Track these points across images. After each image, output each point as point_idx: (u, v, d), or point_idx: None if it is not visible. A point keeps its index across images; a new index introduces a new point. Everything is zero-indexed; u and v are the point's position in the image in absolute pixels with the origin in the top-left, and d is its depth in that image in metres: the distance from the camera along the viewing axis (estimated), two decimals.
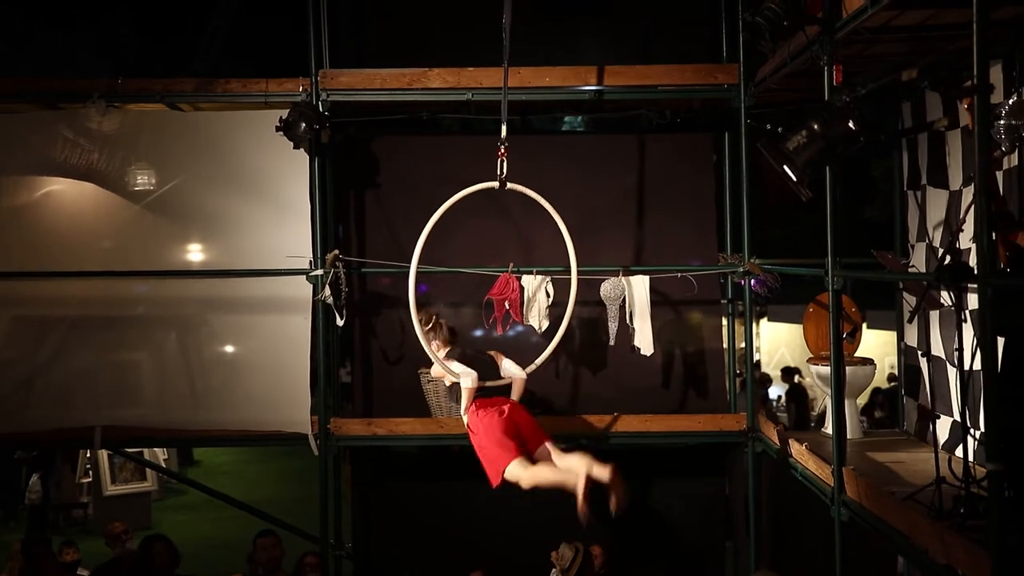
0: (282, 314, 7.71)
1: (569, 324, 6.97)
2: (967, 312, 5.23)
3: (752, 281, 7.81)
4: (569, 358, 8.15)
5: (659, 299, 7.87)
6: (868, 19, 5.37)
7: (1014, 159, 5.72)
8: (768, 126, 5.65)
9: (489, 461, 6.18)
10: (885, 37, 5.81)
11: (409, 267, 6.57)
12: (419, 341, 6.56)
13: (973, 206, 4.41)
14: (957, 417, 6.50)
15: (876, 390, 12.47)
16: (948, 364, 6.74)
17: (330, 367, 7.96)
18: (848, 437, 6.38)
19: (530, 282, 7.54)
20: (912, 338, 7.55)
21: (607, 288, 7.60)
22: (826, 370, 6.71)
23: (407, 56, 7.88)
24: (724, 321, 8.39)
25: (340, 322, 7.57)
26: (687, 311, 8.32)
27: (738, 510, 8.21)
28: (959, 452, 5.19)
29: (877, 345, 12.25)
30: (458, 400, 6.50)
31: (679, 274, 7.75)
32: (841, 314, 6.18)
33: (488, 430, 6.18)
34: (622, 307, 7.60)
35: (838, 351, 6.08)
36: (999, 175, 5.85)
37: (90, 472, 13.62)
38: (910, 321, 7.16)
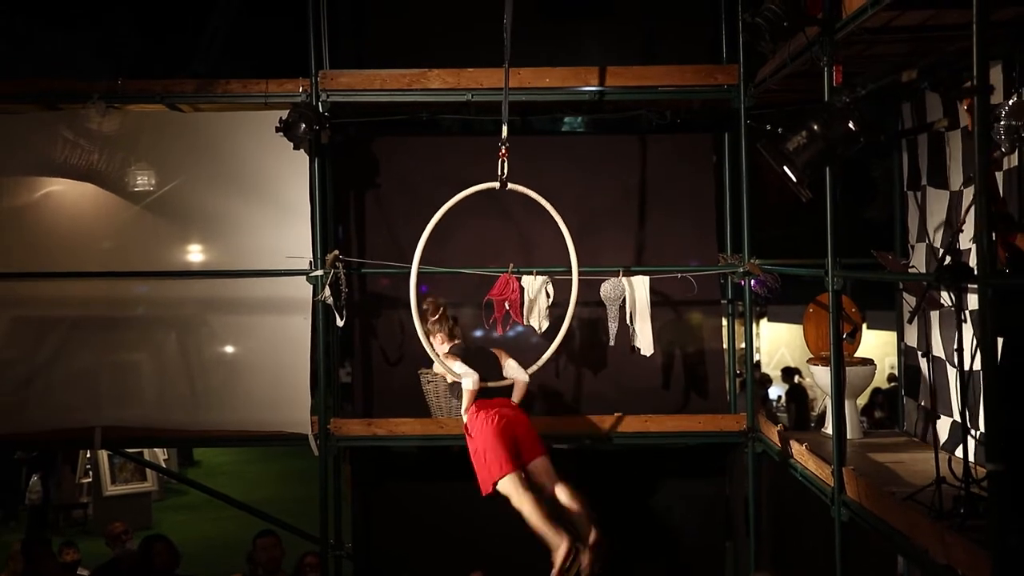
0: (282, 315, 7.71)
1: (569, 325, 6.97)
2: (967, 312, 5.24)
3: (752, 281, 7.82)
4: (569, 358, 8.16)
5: (659, 299, 7.88)
6: (868, 20, 5.37)
7: (1014, 160, 5.73)
8: (768, 127, 5.67)
9: (482, 468, 6.18)
10: (885, 38, 5.81)
11: (409, 267, 6.57)
12: (419, 341, 6.56)
13: (973, 207, 4.41)
14: (957, 417, 6.50)
15: (876, 390, 12.48)
16: (948, 364, 6.74)
17: (330, 367, 7.96)
18: (848, 437, 6.39)
19: (530, 283, 7.54)
20: (912, 338, 7.55)
21: (607, 288, 7.60)
22: (826, 370, 6.71)
23: (407, 56, 7.88)
24: (724, 321, 8.40)
25: (340, 322, 7.58)
26: (687, 311, 8.32)
27: (738, 510, 8.21)
28: (959, 452, 5.19)
29: (877, 345, 12.25)
30: (459, 397, 6.46)
31: (679, 274, 7.75)
32: (841, 314, 6.18)
33: (485, 436, 6.16)
34: (622, 307, 7.60)
35: (838, 351, 6.08)
36: (999, 176, 5.85)
37: (90, 472, 13.63)
38: (910, 321, 7.16)
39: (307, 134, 7.18)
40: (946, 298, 6.18)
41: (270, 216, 7.69)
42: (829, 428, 6.83)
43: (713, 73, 7.71)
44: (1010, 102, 4.92)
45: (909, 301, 7.46)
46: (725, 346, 8.40)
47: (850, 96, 5.35)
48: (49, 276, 7.70)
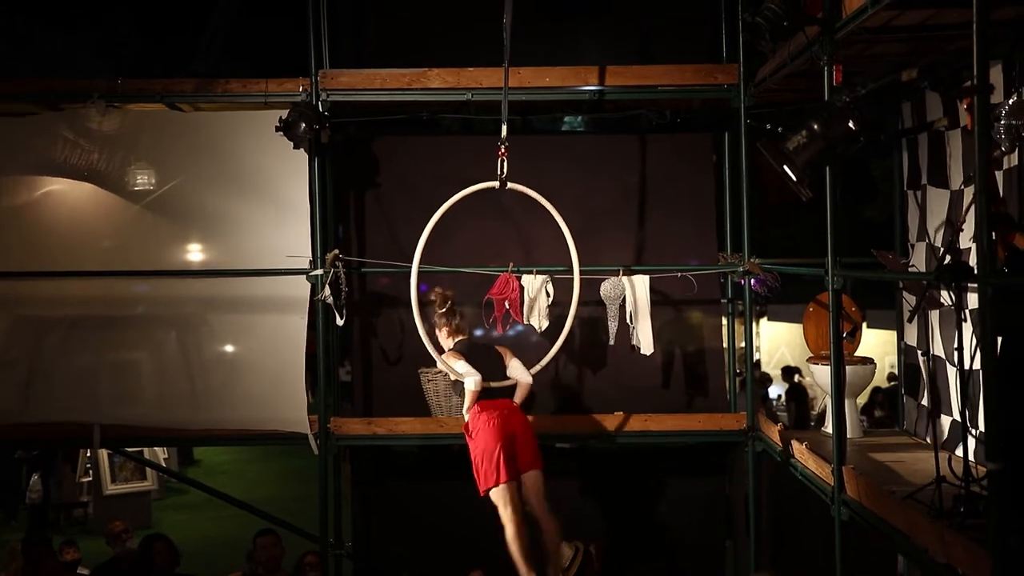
0: (282, 314, 7.71)
1: (570, 324, 6.97)
2: (967, 311, 5.24)
3: (752, 281, 7.82)
4: (569, 357, 8.16)
5: (659, 299, 7.88)
6: (868, 19, 5.37)
7: (1014, 159, 5.73)
8: (768, 126, 5.66)
9: (478, 471, 6.18)
10: (885, 37, 5.81)
11: (409, 267, 6.57)
12: (419, 340, 6.55)
13: (973, 206, 4.41)
14: (957, 416, 6.50)
15: (876, 389, 12.47)
16: (948, 363, 6.74)
17: (330, 367, 7.96)
18: (848, 436, 6.39)
19: (530, 282, 7.55)
20: (912, 337, 7.56)
21: (607, 288, 7.61)
22: (826, 369, 6.71)
23: (407, 56, 7.89)
24: (724, 320, 8.40)
25: (340, 322, 7.58)
26: (687, 311, 8.33)
27: (738, 509, 8.22)
28: (959, 451, 5.20)
29: (877, 344, 12.25)
30: (461, 395, 6.39)
31: (679, 274, 7.76)
32: (841, 313, 6.18)
33: (484, 440, 6.13)
34: (622, 307, 7.60)
35: (838, 350, 6.08)
36: (999, 175, 5.86)
37: (90, 471, 13.62)
38: (910, 320, 7.17)
39: (307, 133, 7.18)
40: (946, 297, 6.18)
41: (270, 215, 7.69)
42: (829, 427, 6.83)
43: (713, 72, 7.71)
44: (1010, 101, 4.94)
45: (909, 300, 7.47)
46: (725, 345, 8.40)
47: (850, 95, 5.35)
48: (49, 275, 7.71)
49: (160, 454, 14.34)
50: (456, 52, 7.77)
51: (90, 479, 13.63)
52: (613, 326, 7.60)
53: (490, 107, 7.68)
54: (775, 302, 11.87)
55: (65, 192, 7.82)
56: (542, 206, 6.79)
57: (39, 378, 7.79)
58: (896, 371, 9.02)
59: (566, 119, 8.86)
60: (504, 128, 6.64)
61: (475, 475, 6.21)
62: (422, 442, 7.87)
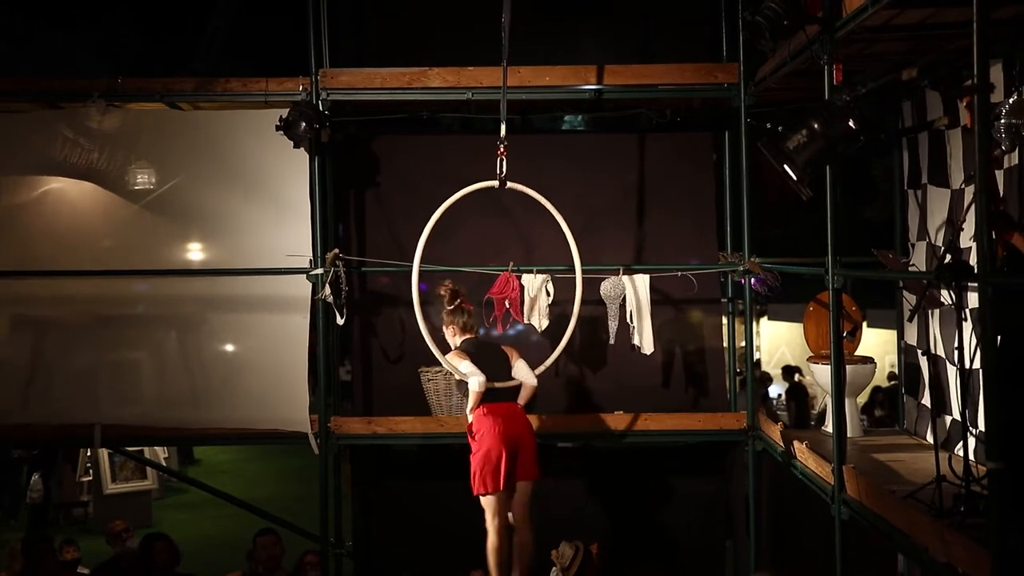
0: (282, 313, 7.71)
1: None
2: (967, 311, 5.24)
3: (752, 280, 7.82)
4: (569, 357, 8.15)
5: (659, 298, 7.88)
6: (868, 18, 5.37)
7: (1014, 158, 5.73)
8: (768, 125, 5.66)
9: (476, 474, 6.18)
10: (885, 36, 5.81)
11: (409, 266, 6.57)
12: (419, 339, 6.54)
13: (974, 205, 4.41)
14: (957, 416, 6.50)
15: (876, 388, 12.48)
16: (948, 363, 6.74)
17: (330, 366, 7.96)
18: (848, 436, 6.38)
19: (530, 281, 7.55)
20: (912, 337, 7.55)
21: (607, 287, 7.61)
22: (826, 369, 6.71)
23: (407, 56, 7.88)
24: (724, 320, 8.40)
25: (340, 321, 7.58)
26: (687, 310, 8.33)
27: (738, 508, 8.22)
28: (959, 450, 5.20)
29: (877, 344, 12.25)
30: (466, 394, 6.36)
31: (679, 273, 7.76)
32: (841, 313, 6.18)
33: (487, 446, 6.10)
34: (622, 306, 7.61)
35: (838, 350, 6.08)
36: (999, 174, 5.86)
37: (90, 471, 13.62)
38: (910, 320, 7.17)
39: (307, 132, 7.18)
40: (946, 296, 6.18)
41: (270, 214, 7.69)
42: (829, 426, 6.83)
43: (713, 71, 7.71)
44: (1010, 100, 4.93)
45: (909, 299, 7.47)
46: (725, 344, 8.40)
47: (850, 94, 5.35)
48: (49, 275, 7.71)
49: (160, 453, 14.34)
50: (456, 52, 7.77)
51: (90, 478, 13.62)
52: (613, 325, 7.60)
53: (490, 106, 7.67)
54: (775, 301, 11.88)
55: (65, 191, 7.82)
56: (542, 205, 6.79)
57: (39, 378, 7.80)
58: (896, 370, 9.02)
59: (566, 118, 8.86)
60: (503, 127, 6.64)
61: (472, 475, 6.21)
62: (422, 441, 7.87)
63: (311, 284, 7.55)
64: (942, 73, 6.29)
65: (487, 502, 6.17)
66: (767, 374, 15.39)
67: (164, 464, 14.13)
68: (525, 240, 8.14)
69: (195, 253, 7.93)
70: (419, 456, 8.41)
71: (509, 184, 6.62)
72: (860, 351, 7.71)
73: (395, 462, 8.46)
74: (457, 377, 6.42)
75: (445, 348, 6.54)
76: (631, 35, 8.29)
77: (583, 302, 6.98)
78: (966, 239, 5.90)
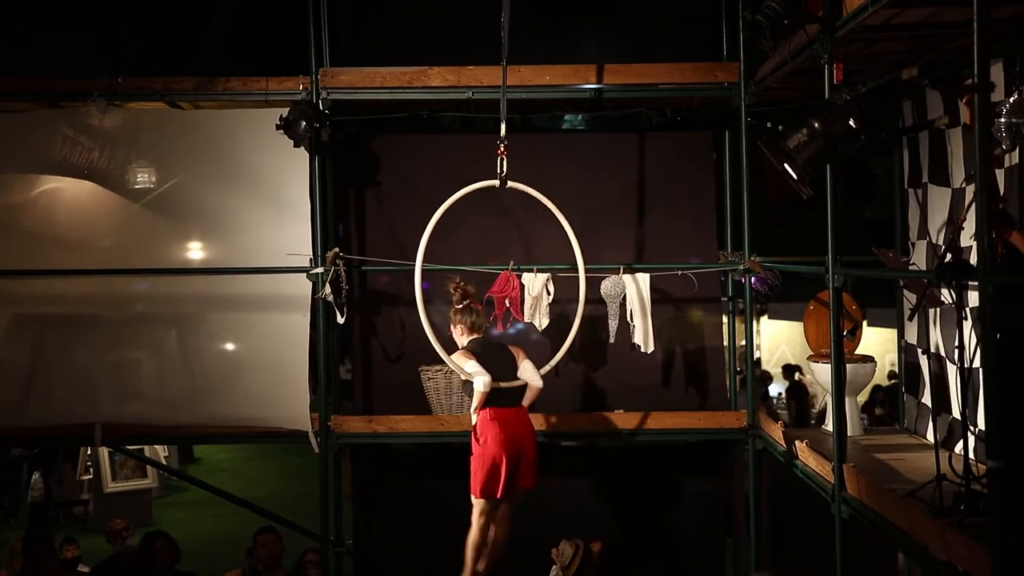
0: (282, 312, 7.71)
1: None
2: (967, 310, 5.25)
3: (752, 279, 7.82)
4: (570, 356, 8.12)
5: (659, 297, 7.88)
6: (868, 17, 5.38)
7: (1015, 157, 5.73)
8: (768, 124, 5.64)
9: (475, 475, 6.16)
10: (886, 35, 5.82)
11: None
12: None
13: (974, 204, 4.41)
14: (957, 414, 6.51)
15: (876, 387, 12.50)
16: (948, 361, 6.75)
17: (330, 365, 7.97)
18: (848, 434, 6.39)
19: (531, 280, 7.55)
20: (912, 336, 7.56)
21: (607, 286, 7.61)
22: (826, 367, 6.71)
23: (407, 55, 7.88)
24: (724, 319, 8.40)
25: (341, 320, 7.58)
26: (687, 309, 8.33)
27: (738, 507, 8.22)
28: (959, 449, 5.20)
29: (877, 342, 12.28)
30: (471, 394, 6.31)
31: (679, 272, 7.77)
32: (842, 312, 6.18)
33: (489, 452, 6.05)
34: (622, 305, 7.61)
35: (838, 348, 6.09)
36: (1000, 173, 5.86)
37: (91, 469, 13.63)
38: (910, 319, 7.18)
39: (307, 132, 7.18)
40: (947, 295, 6.18)
41: (270, 213, 7.69)
42: (829, 425, 6.83)
43: (713, 71, 7.71)
44: (1011, 100, 4.93)
45: (910, 298, 7.47)
46: (725, 343, 8.40)
47: (851, 94, 5.35)
48: (49, 274, 7.72)
49: (160, 452, 14.35)
50: (456, 52, 7.76)
51: (91, 477, 13.64)
52: (613, 324, 7.60)
53: (490, 105, 7.67)
54: (775, 300, 11.89)
55: (65, 190, 7.81)
56: (542, 204, 6.78)
57: (40, 377, 7.80)
58: (896, 369, 9.02)
59: (566, 117, 8.87)
60: (503, 127, 6.63)
61: (471, 475, 6.19)
62: (422, 440, 7.87)
63: (311, 283, 7.55)
64: (942, 72, 6.28)
65: (480, 505, 6.19)
66: (767, 373, 15.42)
67: (164, 463, 14.14)
68: (525, 239, 8.14)
69: (195, 252, 7.93)
70: (419, 455, 8.41)
71: (510, 183, 6.61)
72: (860, 350, 7.72)
73: (395, 461, 8.46)
74: (463, 377, 6.36)
75: (450, 347, 6.51)
76: (631, 35, 8.29)
77: (585, 301, 6.97)
78: (966, 238, 5.90)
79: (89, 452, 13.55)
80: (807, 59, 6.19)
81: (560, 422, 7.75)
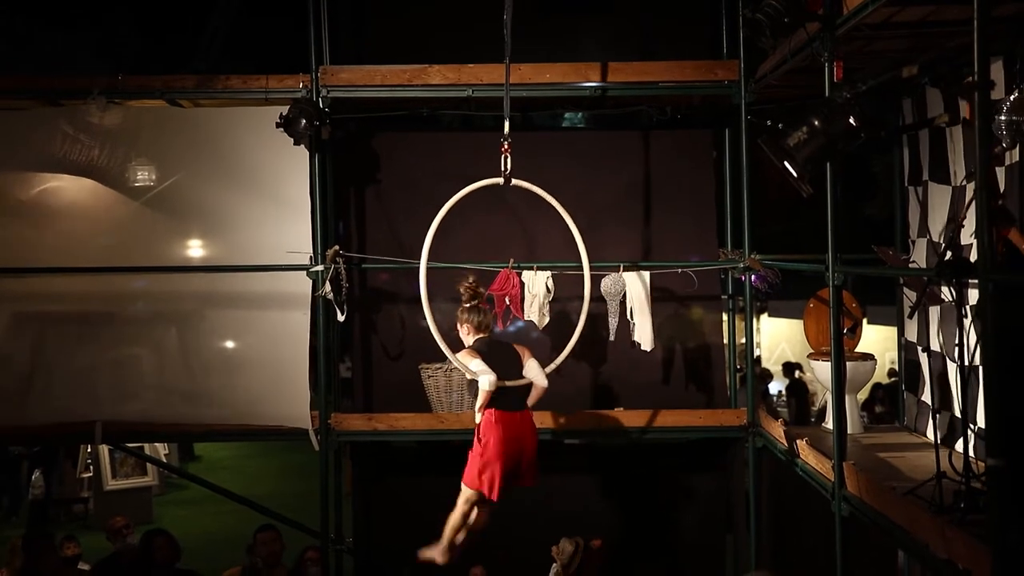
0: (283, 310, 7.71)
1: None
2: (967, 307, 5.25)
3: (752, 277, 7.82)
4: (570, 354, 8.14)
5: (659, 295, 7.89)
6: (869, 15, 5.38)
7: (1015, 155, 5.73)
8: (769, 122, 5.64)
9: (472, 469, 6.13)
10: (886, 33, 5.81)
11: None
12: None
13: (974, 202, 4.42)
14: (957, 412, 6.51)
15: (876, 385, 12.48)
16: (948, 359, 6.75)
17: (331, 362, 7.97)
18: (848, 432, 6.39)
19: (531, 278, 7.55)
20: (912, 333, 7.56)
21: (607, 284, 7.61)
22: (826, 365, 6.71)
23: (407, 54, 7.87)
24: (724, 317, 8.41)
25: (341, 318, 7.58)
26: (687, 307, 8.34)
27: (739, 505, 8.23)
28: (959, 447, 5.20)
29: (878, 340, 12.27)
30: (476, 393, 6.27)
31: (679, 270, 7.77)
32: (841, 310, 6.18)
33: (491, 453, 6.01)
34: (622, 303, 7.60)
35: (838, 346, 6.09)
36: (1000, 171, 5.86)
37: (91, 467, 13.63)
38: (910, 317, 7.18)
39: (307, 130, 7.17)
40: (947, 293, 6.18)
41: (270, 211, 7.70)
42: (830, 423, 6.84)
43: (713, 69, 7.71)
44: (1011, 98, 4.93)
45: (910, 296, 7.47)
46: (725, 341, 8.41)
47: (851, 92, 5.35)
48: (49, 271, 7.72)
49: (161, 450, 14.35)
50: (456, 51, 7.75)
51: (91, 475, 13.63)
52: (613, 322, 7.60)
53: (490, 103, 7.68)
54: (776, 298, 11.88)
55: (65, 188, 7.81)
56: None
57: (40, 375, 7.80)
58: (896, 367, 9.02)
59: (566, 116, 8.87)
60: (507, 124, 6.58)
61: (468, 467, 6.14)
62: (423, 438, 7.87)
63: (311, 281, 7.55)
64: (942, 70, 6.29)
65: (466, 493, 6.15)
66: (767, 371, 15.39)
67: (164, 460, 14.14)
68: (525, 237, 8.14)
69: (195, 250, 7.93)
70: (419, 453, 8.41)
71: (514, 181, 6.56)
72: (860, 348, 7.72)
73: (395, 459, 8.47)
74: (468, 376, 6.33)
75: (456, 346, 6.47)
76: (631, 34, 8.29)
77: (583, 299, 6.96)
78: (967, 236, 5.90)
79: (89, 450, 13.54)
80: (807, 57, 6.19)
81: (560, 420, 7.75)
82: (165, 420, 7.89)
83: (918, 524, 4.90)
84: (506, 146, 6.48)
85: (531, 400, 6.29)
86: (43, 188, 7.85)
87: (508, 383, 6.06)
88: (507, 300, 7.49)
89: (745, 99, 7.64)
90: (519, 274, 7.55)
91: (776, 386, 14.74)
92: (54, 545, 8.32)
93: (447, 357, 6.23)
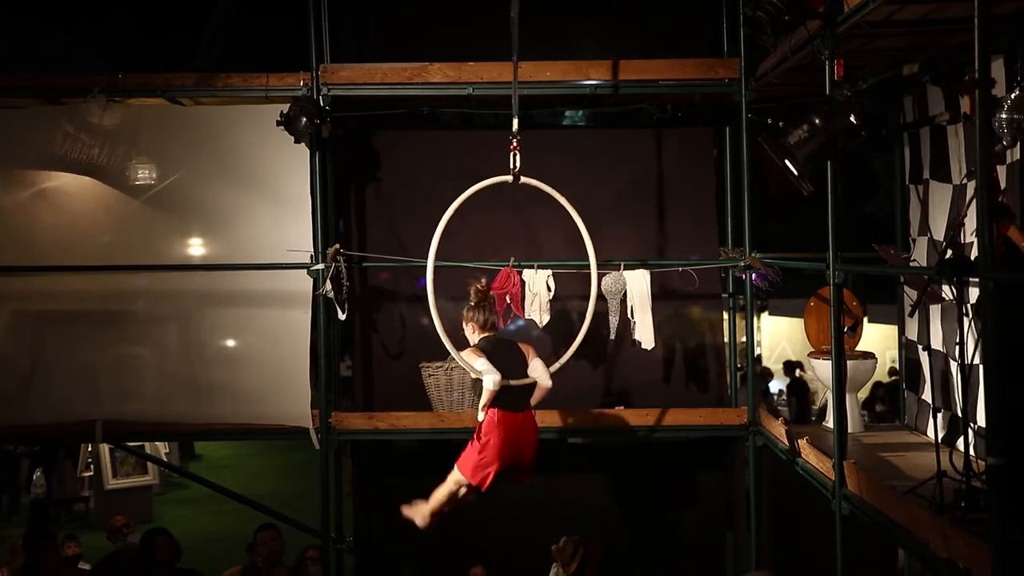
0: (283, 308, 7.71)
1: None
2: (968, 306, 5.24)
3: (753, 275, 7.81)
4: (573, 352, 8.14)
5: (660, 293, 7.88)
6: (870, 13, 5.37)
7: (1016, 153, 5.73)
8: (769, 120, 5.64)
9: (467, 458, 6.08)
10: (886, 31, 5.81)
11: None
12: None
13: (975, 200, 4.41)
14: (958, 411, 6.50)
15: (877, 384, 12.48)
16: (949, 358, 6.74)
17: (331, 361, 7.96)
18: (849, 431, 6.39)
19: (531, 276, 7.54)
20: (913, 332, 7.56)
21: (608, 282, 7.60)
22: (827, 364, 6.71)
23: (407, 52, 7.85)
24: (725, 315, 8.41)
25: (342, 316, 7.58)
26: (688, 305, 8.33)
27: (739, 503, 8.22)
28: (960, 446, 5.20)
29: (878, 339, 12.26)
30: (480, 392, 6.23)
31: (680, 268, 7.77)
32: (842, 308, 6.18)
33: (490, 453, 5.97)
34: (623, 301, 7.59)
35: (839, 345, 6.08)
36: (1001, 169, 5.85)
37: (91, 466, 13.65)
38: (911, 315, 7.17)
39: (308, 128, 7.17)
40: (947, 292, 6.18)
41: (271, 210, 7.70)
42: (830, 422, 6.83)
43: (714, 67, 7.70)
44: (1012, 96, 4.93)
45: (910, 295, 7.46)
46: (726, 340, 8.41)
47: (851, 90, 5.34)
48: (50, 270, 7.73)
49: (161, 449, 14.36)
50: (456, 49, 7.74)
51: (91, 474, 13.66)
52: (614, 321, 7.59)
53: (491, 101, 7.67)
54: (776, 296, 11.87)
55: (66, 186, 7.82)
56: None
57: (40, 374, 7.81)
58: (897, 366, 9.02)
59: (567, 114, 8.85)
60: (515, 121, 6.49)
61: (466, 454, 6.09)
62: (423, 437, 7.86)
63: (312, 279, 7.55)
64: (943, 68, 6.29)
65: (456, 477, 6.08)
66: (768, 370, 15.40)
67: (165, 459, 14.15)
68: (526, 236, 8.14)
69: (196, 248, 7.93)
70: (420, 452, 8.40)
71: (523, 179, 6.50)
72: (861, 346, 7.71)
73: (396, 458, 8.46)
74: (472, 375, 6.31)
75: (461, 345, 6.44)
76: (632, 33, 8.27)
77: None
78: (967, 234, 5.89)
79: (90, 449, 13.56)
80: (808, 55, 6.18)
81: (560, 419, 7.74)
82: (165, 419, 7.89)
83: (918, 523, 4.89)
84: (515, 143, 6.39)
85: (535, 399, 6.25)
86: (43, 187, 7.86)
87: (512, 382, 6.04)
88: (508, 299, 7.48)
89: (746, 97, 7.63)
90: (520, 273, 7.54)
91: (777, 385, 14.75)
92: (55, 544, 8.32)
93: (449, 356, 6.20)
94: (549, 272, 7.54)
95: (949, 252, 5.10)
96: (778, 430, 7.19)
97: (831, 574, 6.00)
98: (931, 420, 6.99)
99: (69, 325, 7.89)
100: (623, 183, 8.33)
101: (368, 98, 7.80)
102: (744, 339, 8.95)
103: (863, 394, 11.16)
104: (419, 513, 6.32)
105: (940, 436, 5.45)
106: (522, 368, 6.11)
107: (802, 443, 6.68)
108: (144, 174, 7.76)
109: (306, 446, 7.66)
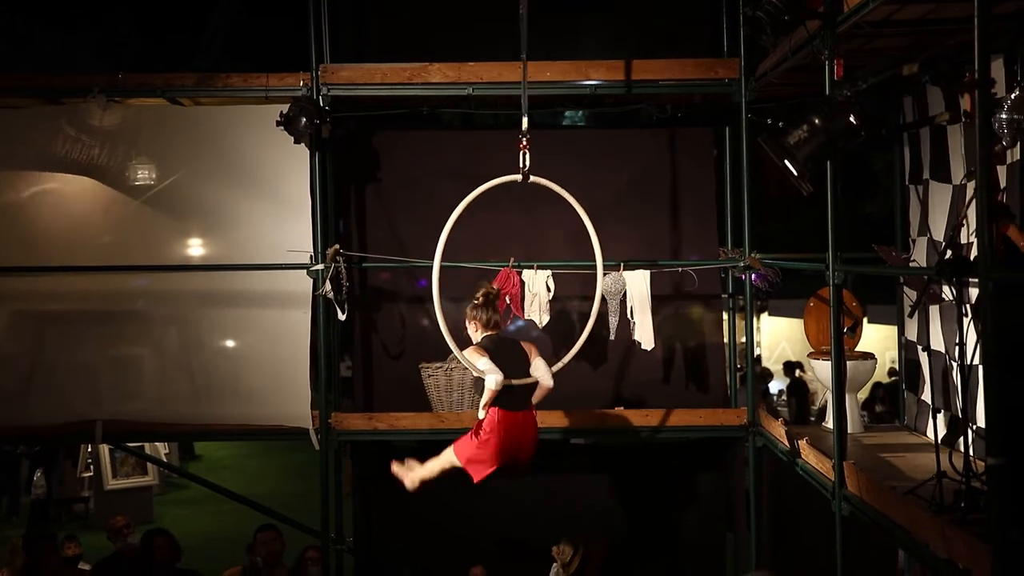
0: (283, 309, 7.71)
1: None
2: (968, 306, 5.24)
3: (753, 275, 7.81)
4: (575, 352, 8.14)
5: (660, 294, 7.87)
6: (869, 13, 5.37)
7: (1015, 153, 5.73)
8: (769, 120, 5.64)
9: (464, 447, 6.09)
10: (886, 31, 5.81)
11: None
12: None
13: (975, 200, 4.41)
14: (958, 411, 6.50)
15: (877, 384, 12.48)
16: (949, 358, 6.74)
17: (331, 362, 7.96)
18: (849, 431, 6.39)
19: (531, 276, 7.54)
20: (913, 332, 7.55)
21: (608, 282, 7.59)
22: (827, 365, 6.70)
23: (407, 53, 7.86)
24: (725, 316, 8.40)
25: (342, 316, 7.58)
26: (688, 306, 8.32)
27: (739, 504, 8.22)
28: (960, 446, 5.19)
29: (878, 339, 12.26)
30: (481, 391, 6.21)
31: (680, 269, 7.76)
32: (842, 309, 6.17)
33: (489, 451, 5.97)
34: (623, 301, 7.59)
35: (839, 346, 6.08)
36: (1001, 169, 5.85)
37: (91, 467, 13.64)
38: (911, 316, 7.17)
39: (308, 128, 7.17)
40: (947, 292, 6.17)
41: (271, 210, 7.69)
42: (830, 422, 6.83)
43: (714, 67, 7.70)
44: (1012, 96, 4.92)
45: (910, 295, 7.46)
46: (726, 340, 8.41)
47: (851, 90, 5.34)
48: (50, 270, 7.73)
49: (161, 449, 14.35)
50: (456, 51, 7.74)
51: (91, 474, 13.65)
52: (614, 321, 7.59)
53: (490, 102, 7.68)
54: (776, 297, 11.87)
55: (65, 187, 7.82)
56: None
57: (40, 374, 7.80)
58: (897, 366, 9.02)
59: (567, 114, 8.85)
60: (525, 120, 6.47)
61: (464, 441, 6.08)
62: (423, 437, 7.84)
63: (312, 280, 7.55)
64: (943, 68, 6.28)
65: (449, 455, 6.16)
66: (767, 370, 15.39)
67: (165, 460, 14.15)
68: (525, 235, 8.13)
69: (196, 249, 7.93)
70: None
71: (532, 178, 6.47)
72: (861, 347, 7.71)
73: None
74: (474, 374, 6.29)
75: (464, 344, 6.42)
76: (631, 33, 8.27)
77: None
78: (967, 234, 5.89)
79: (90, 449, 13.55)
80: (808, 55, 6.18)
81: (559, 419, 7.74)
82: (165, 419, 7.89)
83: (918, 523, 4.89)
84: (524, 142, 6.36)
85: (536, 399, 6.23)
86: (43, 187, 7.86)
87: (514, 382, 6.03)
88: (507, 299, 7.48)
89: (745, 97, 7.63)
90: (519, 273, 7.54)
91: (776, 385, 14.75)
92: (55, 545, 8.32)
93: (451, 355, 6.20)
94: (549, 272, 7.54)
95: (949, 252, 5.09)
96: (778, 431, 7.19)
97: (831, 574, 6.00)
98: (931, 420, 6.98)
99: (69, 325, 7.89)
100: (623, 183, 8.33)
101: (368, 98, 7.80)
102: (744, 339, 8.95)
103: (863, 395, 11.17)
104: (409, 476, 6.39)
105: (940, 437, 5.45)
106: (524, 367, 6.09)
107: (802, 444, 6.67)
108: (144, 174, 7.76)
109: (306, 446, 7.66)
